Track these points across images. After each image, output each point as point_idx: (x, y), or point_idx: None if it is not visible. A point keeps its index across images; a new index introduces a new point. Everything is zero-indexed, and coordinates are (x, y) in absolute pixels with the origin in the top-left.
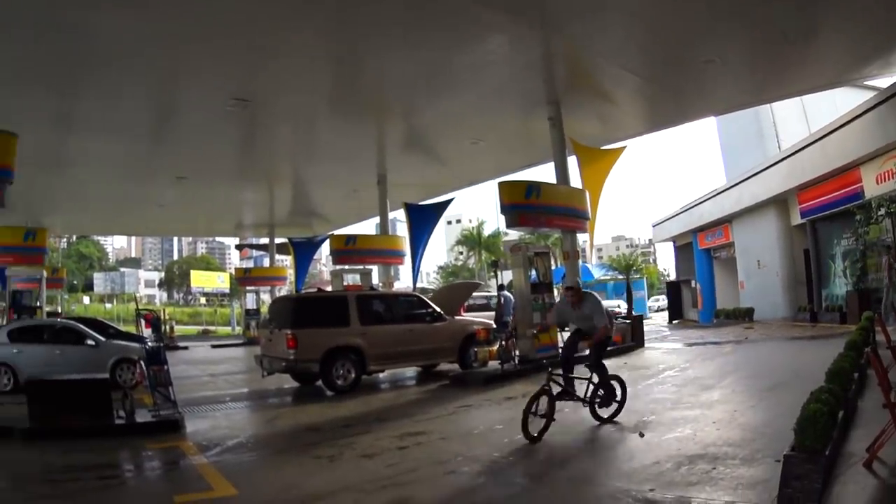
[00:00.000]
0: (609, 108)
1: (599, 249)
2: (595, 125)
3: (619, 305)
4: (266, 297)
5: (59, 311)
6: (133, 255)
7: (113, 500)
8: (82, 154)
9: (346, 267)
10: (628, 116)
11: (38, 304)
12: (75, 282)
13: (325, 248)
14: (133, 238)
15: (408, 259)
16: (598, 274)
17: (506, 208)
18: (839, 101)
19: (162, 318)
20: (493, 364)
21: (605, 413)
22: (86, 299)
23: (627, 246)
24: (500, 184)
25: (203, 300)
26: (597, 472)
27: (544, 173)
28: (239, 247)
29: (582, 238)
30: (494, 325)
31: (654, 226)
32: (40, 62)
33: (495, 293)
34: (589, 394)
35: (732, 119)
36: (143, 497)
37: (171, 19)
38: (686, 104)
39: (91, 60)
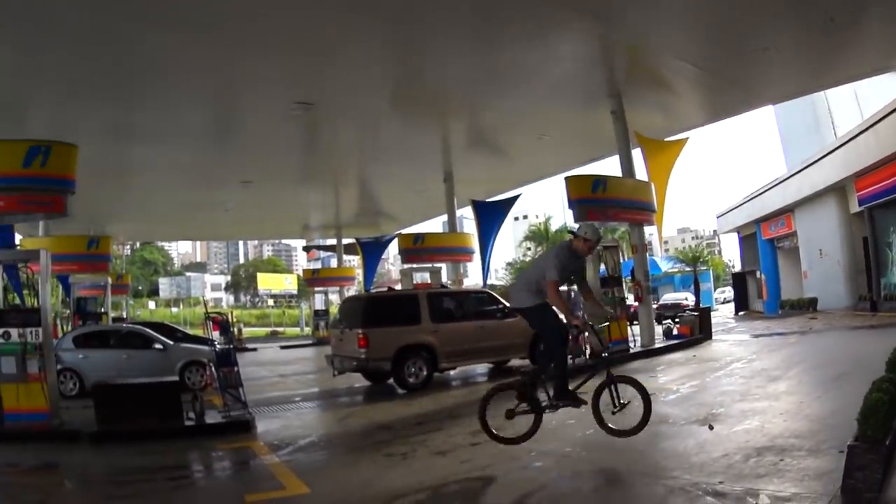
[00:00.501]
0: (670, 99)
1: (666, 242)
2: (657, 117)
3: (686, 298)
4: (334, 298)
5: (124, 316)
6: (198, 259)
7: (183, 499)
8: (145, 162)
9: (415, 265)
10: (689, 107)
11: (103, 309)
12: (140, 287)
13: (393, 248)
14: (198, 243)
15: (476, 256)
16: (665, 267)
17: (573, 202)
18: (890, 87)
19: (230, 320)
20: None
21: None
22: (151, 304)
23: (693, 238)
24: (567, 178)
25: (271, 302)
26: (667, 465)
27: (609, 167)
28: (306, 248)
29: (649, 231)
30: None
31: (718, 216)
32: (100, 75)
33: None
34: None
35: (789, 108)
36: (213, 497)
37: (230, 30)
38: (743, 93)
39: (151, 72)
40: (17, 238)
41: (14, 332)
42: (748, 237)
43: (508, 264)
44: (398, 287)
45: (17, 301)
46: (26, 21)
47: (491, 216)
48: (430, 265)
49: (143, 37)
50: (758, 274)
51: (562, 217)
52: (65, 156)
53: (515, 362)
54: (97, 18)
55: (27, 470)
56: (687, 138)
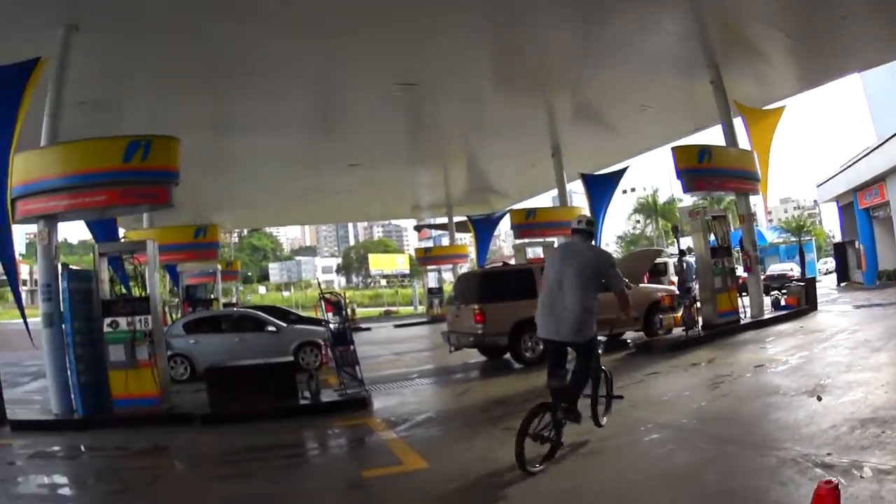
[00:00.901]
0: (764, 68)
1: (769, 212)
2: (753, 87)
3: (791, 269)
4: (447, 276)
5: (235, 301)
6: (308, 243)
7: (297, 476)
8: (249, 152)
9: (528, 240)
10: (781, 76)
11: (214, 296)
12: (250, 273)
13: (504, 224)
14: (307, 227)
15: None
16: (770, 237)
17: (681, 173)
18: None
19: (344, 300)
20: (677, 331)
21: None
22: (262, 289)
23: (795, 207)
24: (674, 148)
25: (383, 282)
26: (778, 437)
27: (711, 137)
28: (417, 228)
29: (752, 201)
30: (677, 292)
31: (818, 186)
32: (200, 69)
33: (671, 259)
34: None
35: (875, 76)
36: (329, 473)
37: (328, 16)
38: (830, 61)
39: (249, 63)
40: (121, 231)
41: (122, 321)
42: (846, 206)
43: (619, 237)
44: (512, 262)
45: (124, 291)
46: (122, 22)
47: (600, 189)
48: (542, 240)
49: (241, 30)
50: (856, 244)
51: (668, 189)
52: (166, 148)
53: (630, 335)
54: (191, 17)
55: (137, 453)
56: (784, 107)
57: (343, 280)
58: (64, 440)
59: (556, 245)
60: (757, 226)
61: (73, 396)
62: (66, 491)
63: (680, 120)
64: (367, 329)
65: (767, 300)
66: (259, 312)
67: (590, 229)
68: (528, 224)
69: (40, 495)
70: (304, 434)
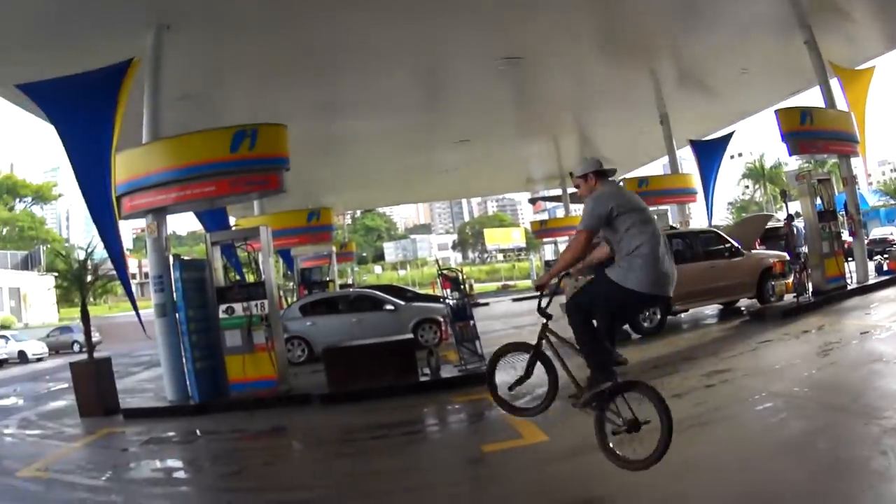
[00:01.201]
0: (853, 27)
1: (869, 175)
2: (844, 46)
3: (892, 233)
4: (563, 248)
5: (351, 282)
6: (422, 221)
7: (417, 453)
8: (358, 134)
9: None
10: (871, 35)
11: (329, 278)
12: (364, 254)
13: None
14: (421, 205)
15: (699, 196)
16: (872, 200)
17: (786, 136)
18: None
19: (461, 276)
20: (788, 297)
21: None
22: (377, 269)
23: (892, 170)
24: (778, 111)
25: (500, 257)
26: (881, 406)
27: (809, 100)
28: (532, 200)
29: (853, 164)
30: (788, 257)
31: None
32: (300, 57)
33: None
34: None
35: None
36: (449, 448)
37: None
38: None
39: (352, 48)
40: (231, 220)
41: (238, 306)
42: None
43: (729, 203)
44: None
45: (237, 278)
46: (215, 19)
47: (709, 155)
48: (656, 208)
49: (340, 17)
50: None
51: (774, 153)
52: (274, 135)
53: (743, 302)
54: (285, 8)
55: (255, 434)
56: (874, 66)
57: (459, 256)
58: (179, 425)
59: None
60: (858, 189)
61: (188, 383)
62: (180, 474)
63: (779, 83)
64: (486, 304)
65: (871, 265)
66: (376, 292)
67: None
68: (641, 192)
69: (154, 479)
70: (424, 410)
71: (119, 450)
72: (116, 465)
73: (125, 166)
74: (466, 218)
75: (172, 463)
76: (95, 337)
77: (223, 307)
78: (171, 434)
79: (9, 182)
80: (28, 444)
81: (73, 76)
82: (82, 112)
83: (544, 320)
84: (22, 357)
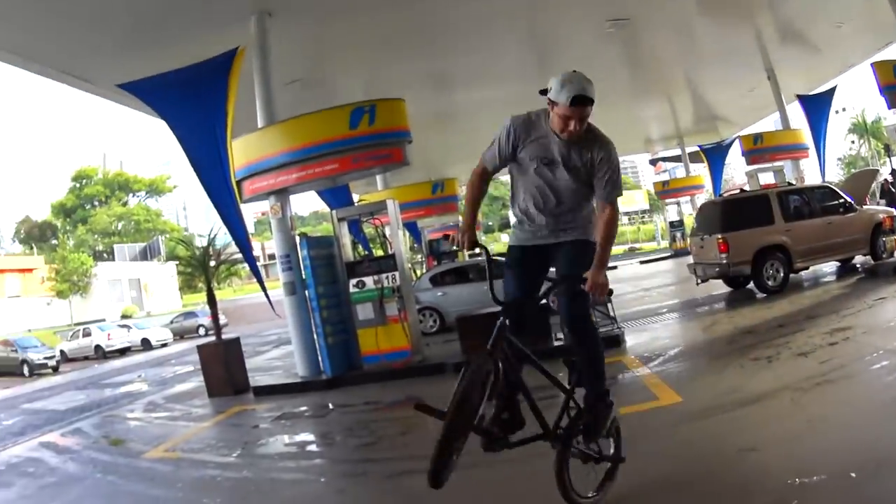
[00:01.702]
0: None
1: None
2: None
3: None
4: (686, 209)
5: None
6: None
7: (554, 418)
8: (471, 105)
9: (758, 166)
10: None
11: (457, 248)
12: (490, 223)
13: (733, 151)
14: None
15: (810, 152)
16: None
17: (883, 89)
18: None
19: None
20: None
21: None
22: (504, 237)
23: None
24: (874, 64)
25: (625, 219)
26: None
27: None
28: (652, 161)
29: None
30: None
31: None
32: (408, 34)
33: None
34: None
35: None
36: None
37: None
38: None
39: (460, 21)
40: (354, 197)
41: (368, 280)
42: None
43: (838, 160)
44: (747, 189)
45: (364, 252)
46: (316, 2)
47: (816, 110)
48: (771, 165)
49: None
50: None
51: (874, 107)
52: (392, 110)
53: (858, 259)
54: None
55: (389, 405)
56: None
57: None
58: (311, 400)
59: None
60: None
61: (319, 358)
62: (313, 447)
63: (872, 36)
64: (614, 267)
65: None
66: (504, 259)
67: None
68: (756, 149)
69: (287, 453)
70: (559, 374)
71: (250, 427)
72: (248, 441)
73: (242, 151)
74: None
75: (305, 437)
76: (222, 319)
77: (353, 281)
78: (303, 409)
79: (120, 179)
80: (155, 427)
81: (178, 70)
82: (192, 104)
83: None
84: (145, 344)
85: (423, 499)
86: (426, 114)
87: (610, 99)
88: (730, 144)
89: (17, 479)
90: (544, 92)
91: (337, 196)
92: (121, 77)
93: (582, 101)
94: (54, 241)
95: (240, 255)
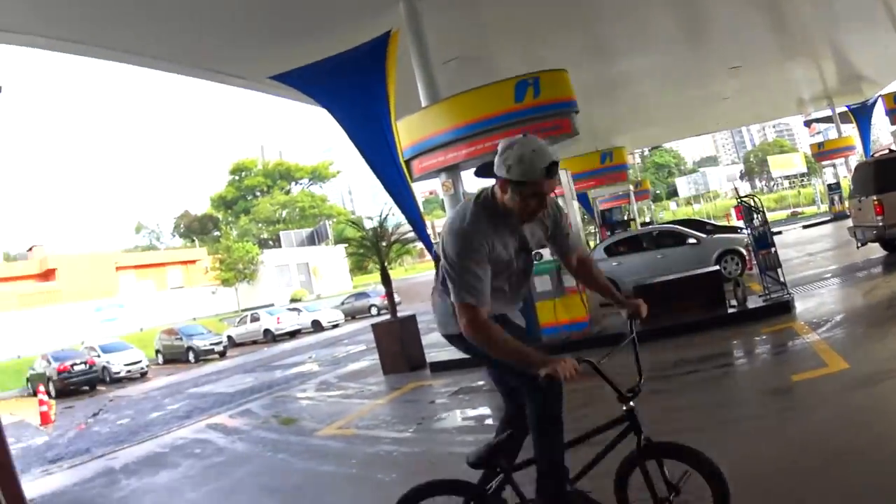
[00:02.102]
0: None
1: None
2: None
3: None
4: (841, 171)
5: (649, 220)
6: (707, 154)
7: (728, 385)
8: (632, 73)
9: None
10: None
11: (629, 216)
12: (658, 191)
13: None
14: (704, 137)
15: None
16: None
17: None
18: None
19: (756, 205)
20: None
21: None
22: (672, 205)
23: None
24: None
25: (785, 184)
26: None
27: None
28: (806, 123)
29: None
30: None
31: None
32: (565, 6)
33: None
34: None
35: None
36: (761, 379)
37: None
38: None
39: None
40: None
41: (545, 252)
42: None
43: None
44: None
45: None
46: None
47: None
48: None
49: None
50: None
51: None
52: (557, 81)
53: None
54: None
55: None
56: None
57: (747, 186)
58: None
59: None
60: None
61: None
62: (491, 421)
63: None
64: (778, 233)
65: None
66: (678, 227)
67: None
68: None
69: (465, 427)
70: (733, 343)
71: (427, 402)
72: (424, 416)
73: (408, 131)
74: (748, 146)
75: (482, 411)
76: (395, 298)
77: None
78: (480, 383)
79: (280, 168)
80: (328, 405)
81: (332, 58)
82: (351, 90)
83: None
84: (316, 326)
85: (608, 469)
86: (588, 84)
87: (761, 61)
88: (873, 104)
89: (182, 459)
90: (486, 174)
91: None
92: (272, 69)
93: (556, 166)
94: (216, 233)
95: (411, 234)
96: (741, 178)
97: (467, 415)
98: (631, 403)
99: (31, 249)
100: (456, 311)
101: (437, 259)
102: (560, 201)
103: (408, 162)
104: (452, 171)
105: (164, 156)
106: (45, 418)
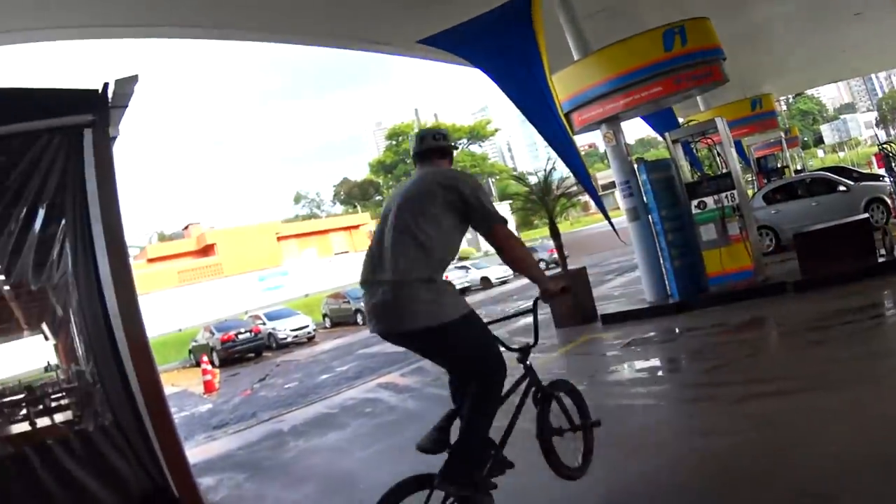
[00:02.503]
0: None
1: None
2: None
3: None
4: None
5: (800, 168)
6: (845, 100)
7: (884, 337)
8: (773, 19)
9: None
10: None
11: (783, 164)
12: (805, 138)
13: None
14: (841, 84)
15: None
16: None
17: None
18: None
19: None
20: None
21: None
22: (819, 152)
23: None
24: None
25: None
26: None
27: None
28: None
29: None
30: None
31: None
32: None
33: None
34: None
35: None
36: None
37: None
38: None
39: None
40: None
41: (709, 200)
42: None
43: None
44: None
45: (698, 173)
46: None
47: None
48: None
49: None
50: None
51: None
52: (701, 29)
53: None
54: None
55: (735, 327)
56: None
57: (882, 133)
58: (659, 325)
59: None
60: None
61: (666, 282)
62: (662, 373)
63: None
64: None
65: None
66: (830, 174)
67: (443, 145)
68: None
69: (637, 379)
70: (885, 293)
71: (599, 355)
72: (597, 369)
73: (564, 85)
74: (879, 94)
75: (654, 362)
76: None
77: (695, 202)
78: (651, 335)
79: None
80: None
81: (477, 18)
82: (501, 48)
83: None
84: (485, 283)
85: (773, 422)
86: (731, 33)
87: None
88: None
89: (352, 420)
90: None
91: (662, 120)
92: (419, 33)
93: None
94: (378, 198)
95: (576, 188)
96: (876, 125)
97: (638, 367)
98: (528, 363)
99: (186, 228)
100: (496, 238)
101: (604, 208)
102: (718, 148)
103: (567, 115)
104: (612, 121)
105: (317, 127)
106: (208, 387)
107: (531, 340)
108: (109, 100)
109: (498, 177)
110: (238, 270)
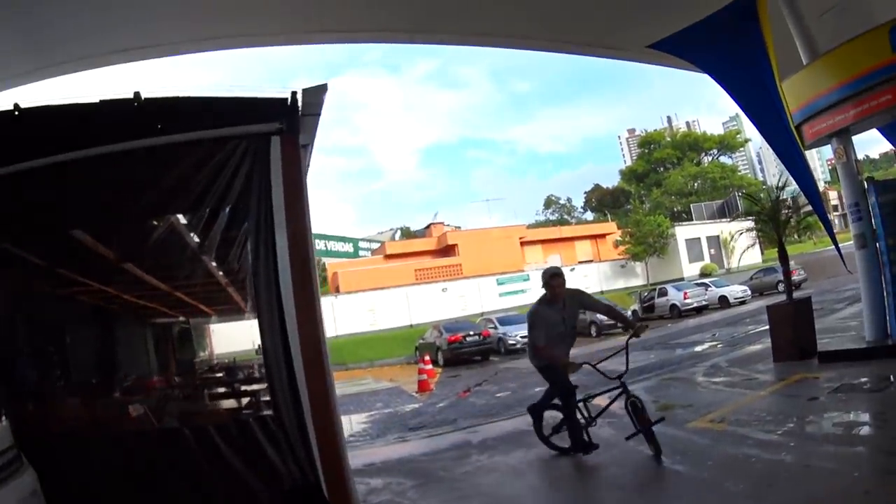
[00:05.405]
0: None
1: None
2: None
3: None
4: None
5: None
6: None
7: None
8: None
9: None
10: None
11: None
12: None
13: None
14: None
15: None
16: None
17: None
18: None
19: None
20: None
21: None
22: None
23: None
24: None
25: None
26: None
27: None
28: None
29: None
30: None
31: None
32: None
33: None
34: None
35: None
36: None
37: None
38: None
39: None
40: None
41: None
42: None
43: None
44: None
45: None
46: None
47: None
48: None
49: None
50: None
51: None
52: None
53: None
54: None
55: None
56: None
57: None
58: (874, 369)
59: None
60: None
61: (888, 321)
62: (860, 430)
63: None
64: None
65: None
66: None
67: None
68: None
69: (832, 435)
70: None
71: (806, 399)
72: (799, 416)
73: (794, 93)
74: None
75: (855, 416)
76: (800, 275)
77: None
78: (863, 380)
79: (688, 139)
80: (710, 393)
81: (703, 20)
82: (728, 51)
83: None
84: (723, 302)
85: None
86: None
87: None
88: None
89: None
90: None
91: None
92: (648, 38)
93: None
94: (628, 207)
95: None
96: None
97: (837, 420)
98: (622, 380)
99: (429, 227)
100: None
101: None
102: None
103: (798, 127)
104: (842, 135)
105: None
106: (422, 386)
107: (624, 368)
108: (299, 108)
109: (745, 190)
110: (478, 272)
